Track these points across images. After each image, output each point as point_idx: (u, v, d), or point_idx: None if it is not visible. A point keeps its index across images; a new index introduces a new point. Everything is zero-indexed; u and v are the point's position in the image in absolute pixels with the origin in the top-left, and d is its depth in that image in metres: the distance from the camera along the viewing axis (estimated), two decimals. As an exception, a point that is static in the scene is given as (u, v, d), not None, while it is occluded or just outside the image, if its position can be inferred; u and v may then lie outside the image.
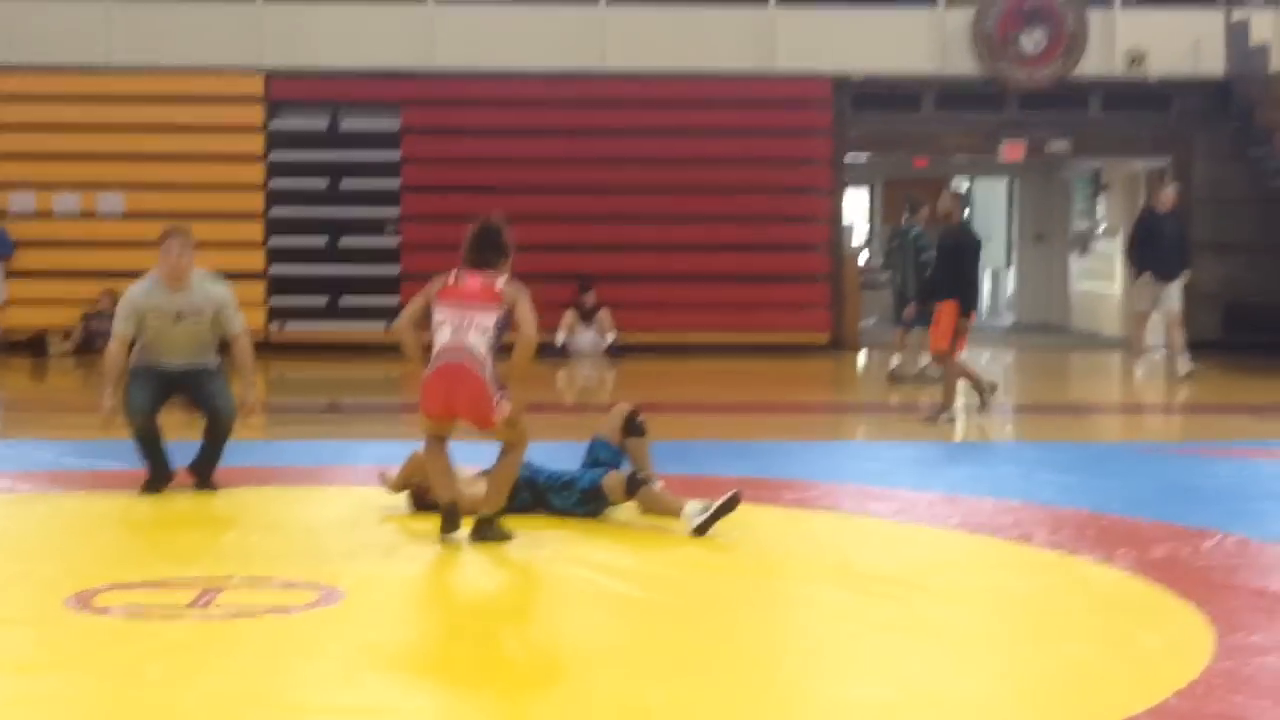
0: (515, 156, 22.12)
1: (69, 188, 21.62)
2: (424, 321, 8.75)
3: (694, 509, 8.91)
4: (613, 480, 9.20)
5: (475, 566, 8.37)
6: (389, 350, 21.47)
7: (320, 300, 22.12)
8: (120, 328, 10.12)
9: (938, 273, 14.81)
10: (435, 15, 22.26)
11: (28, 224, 21.64)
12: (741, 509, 9.07)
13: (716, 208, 22.28)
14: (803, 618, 7.46)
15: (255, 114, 22.06)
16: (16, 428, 15.18)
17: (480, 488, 9.02)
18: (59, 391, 18.50)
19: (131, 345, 10.18)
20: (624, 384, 19.26)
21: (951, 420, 14.59)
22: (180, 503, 10.04)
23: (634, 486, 9.14)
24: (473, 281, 8.68)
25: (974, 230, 15.38)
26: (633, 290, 22.08)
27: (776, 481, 10.86)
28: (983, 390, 14.98)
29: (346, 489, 10.78)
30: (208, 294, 10.25)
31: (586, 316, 21.71)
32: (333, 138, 22.44)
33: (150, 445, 10.20)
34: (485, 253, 8.80)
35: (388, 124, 22.35)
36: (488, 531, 8.59)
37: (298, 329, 21.98)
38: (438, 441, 8.73)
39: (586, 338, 21.67)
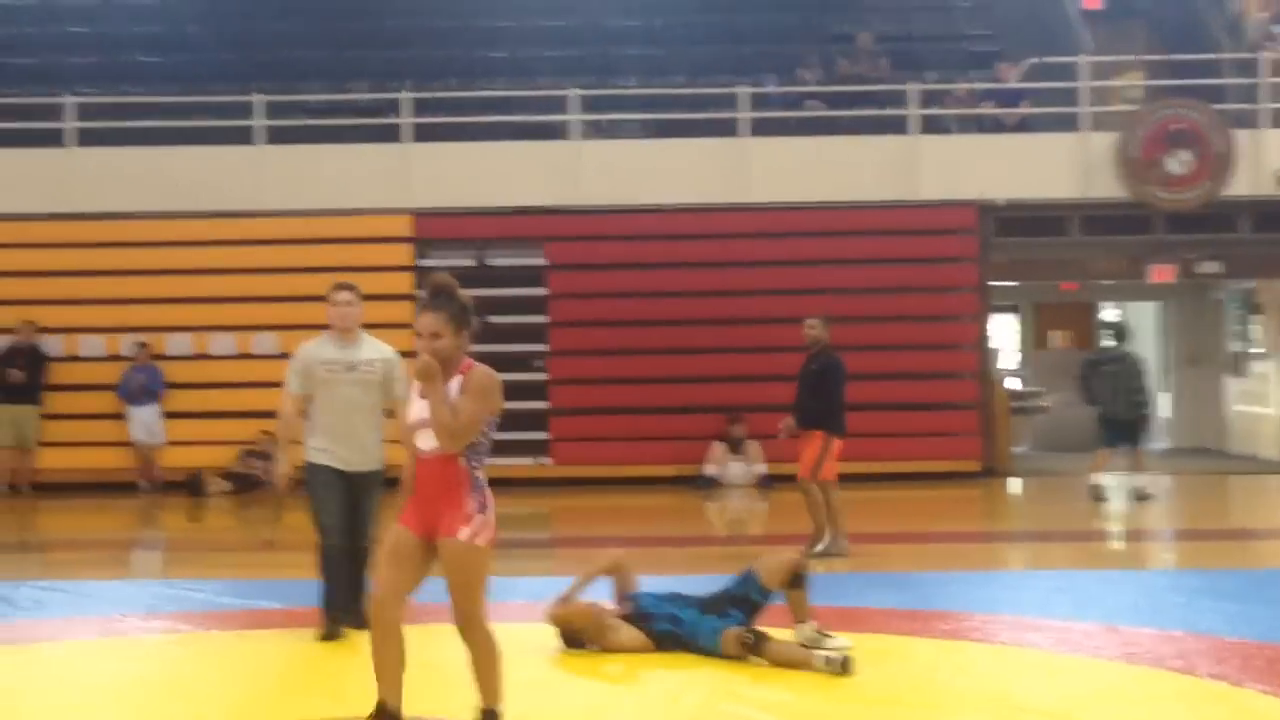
0: (661, 289, 22.22)
1: (224, 329, 22.01)
2: None
3: (821, 662, 8.80)
4: (729, 638, 9.09)
5: (632, 703, 8.33)
6: (539, 484, 21.71)
7: (470, 436, 22.23)
8: (293, 384, 10.11)
9: (805, 399, 14.62)
10: (579, 152, 22.51)
11: (185, 365, 22.04)
12: (896, 640, 8.98)
13: (863, 337, 22.19)
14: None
15: (404, 253, 22.37)
16: (175, 567, 15.39)
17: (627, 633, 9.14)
18: (216, 531, 18.73)
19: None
20: (774, 515, 19.19)
21: (840, 554, 14.21)
22: (332, 640, 10.07)
23: (753, 646, 9.01)
24: None
25: (838, 356, 15.01)
26: (780, 420, 21.97)
27: (930, 612, 10.75)
28: (823, 527, 14.48)
29: (499, 625, 10.79)
30: (379, 349, 10.26)
31: (735, 448, 21.69)
32: (480, 275, 22.66)
33: (342, 567, 10.01)
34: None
35: (534, 260, 22.57)
36: None
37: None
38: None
39: (736, 469, 21.64)
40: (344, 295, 10.18)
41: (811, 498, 14.38)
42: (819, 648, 8.91)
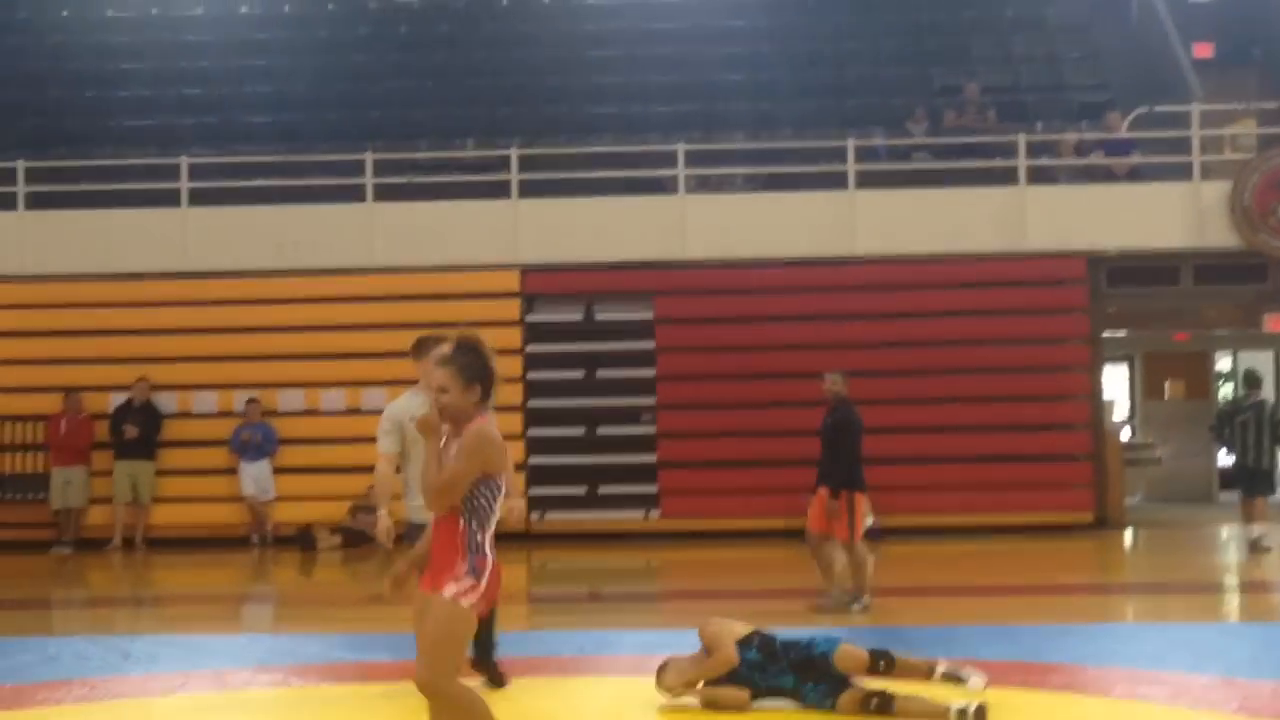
0: (769, 343, 22.18)
1: (334, 385, 22.19)
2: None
3: (955, 715, 8.74)
4: (849, 701, 9.02)
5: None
6: (649, 537, 21.71)
7: (579, 489, 22.31)
8: (385, 444, 10.02)
9: (824, 456, 14.44)
10: (686, 206, 22.55)
11: (296, 421, 22.24)
12: (1010, 694, 8.89)
13: (973, 388, 22.09)
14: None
15: (512, 308, 22.48)
16: (287, 622, 15.48)
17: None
18: (327, 585, 18.85)
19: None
20: (885, 567, 19.04)
21: (865, 608, 14.03)
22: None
23: (879, 709, 8.97)
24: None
25: (855, 411, 14.78)
26: (891, 473, 21.88)
27: (1044, 665, 10.64)
28: (835, 591, 14.36)
29: (609, 679, 10.79)
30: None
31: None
32: (588, 329, 22.75)
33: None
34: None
35: (641, 314, 22.61)
36: None
37: (557, 518, 22.18)
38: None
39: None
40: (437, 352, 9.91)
41: (855, 556, 14.27)
42: (956, 678, 8.84)
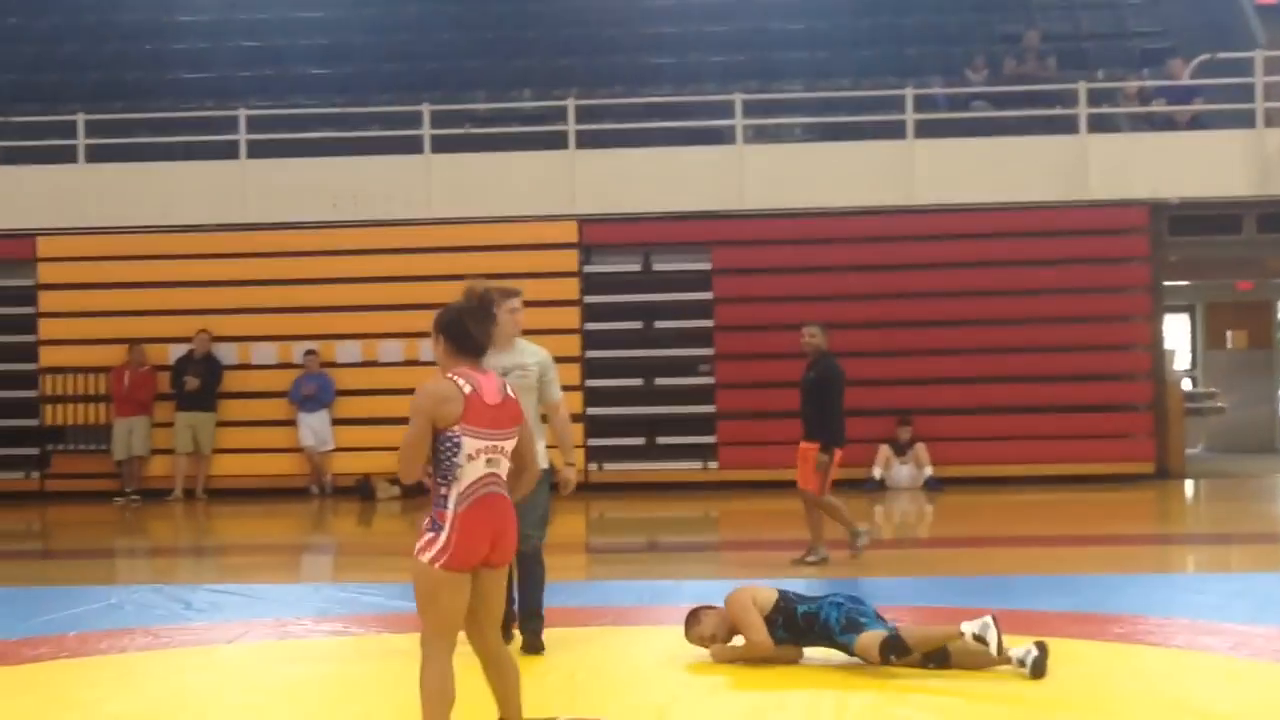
0: (827, 293, 22.11)
1: (392, 336, 22.23)
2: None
3: (1015, 661, 8.69)
4: (867, 641, 8.97)
5: (799, 706, 8.29)
6: (706, 488, 21.72)
7: (637, 440, 22.33)
8: None
9: (806, 409, 14.17)
10: (744, 156, 22.48)
11: (354, 372, 22.31)
12: (1069, 644, 8.85)
13: (1033, 338, 21.98)
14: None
15: (570, 259, 22.48)
16: (347, 571, 15.57)
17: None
18: (387, 535, 18.93)
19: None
20: (942, 518, 19.04)
21: (822, 560, 13.87)
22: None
23: (891, 650, 8.84)
24: (489, 389, 6.88)
25: (838, 363, 14.42)
26: (950, 423, 21.87)
27: (1104, 616, 10.60)
28: (852, 531, 14.12)
29: (668, 628, 10.81)
30: (533, 352, 9.93)
31: (902, 451, 21.56)
32: (645, 280, 22.74)
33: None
34: (488, 336, 7.01)
35: (699, 264, 22.58)
36: None
37: (615, 469, 22.21)
38: (451, 641, 6.84)
39: (904, 472, 21.51)
40: (516, 302, 9.83)
41: (828, 506, 14.10)
42: (981, 640, 8.70)
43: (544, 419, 10.09)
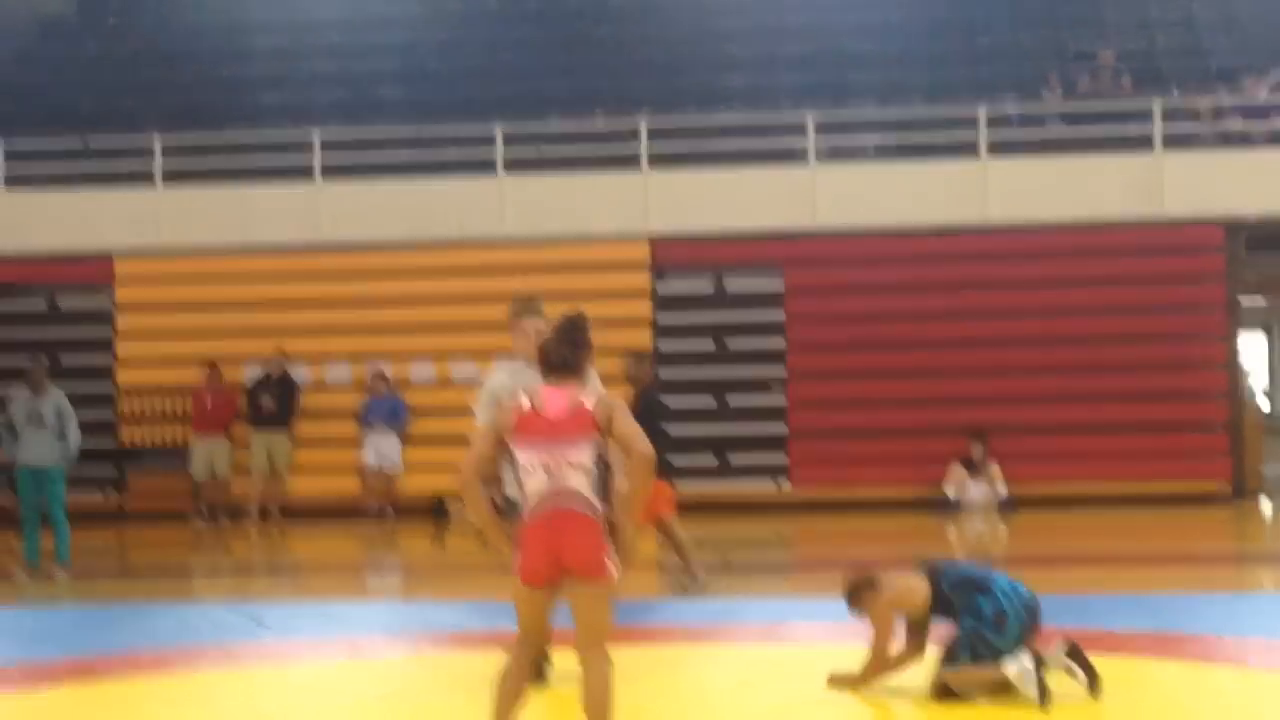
0: (899, 312, 22.06)
1: (465, 356, 22.29)
2: (493, 466, 7.38)
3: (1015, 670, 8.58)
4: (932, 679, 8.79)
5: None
6: (779, 507, 21.68)
7: (710, 459, 22.31)
8: (482, 417, 9.18)
9: None
10: (816, 175, 22.45)
11: (428, 392, 22.38)
12: (1144, 664, 8.79)
13: (1106, 358, 21.84)
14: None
15: (642, 279, 22.50)
16: (420, 590, 15.62)
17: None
18: (460, 554, 18.98)
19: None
20: (1017, 537, 18.95)
21: (697, 584, 13.78)
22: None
23: (941, 695, 8.69)
24: (555, 402, 7.05)
25: (655, 393, 14.33)
26: (1024, 442, 21.74)
27: (1178, 635, 10.53)
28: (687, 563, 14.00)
29: (739, 648, 10.81)
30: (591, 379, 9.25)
31: (976, 470, 21.45)
32: (717, 299, 22.75)
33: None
34: (563, 357, 7.17)
35: (771, 283, 22.56)
36: None
37: (688, 488, 22.16)
38: (528, 645, 7.20)
39: (977, 491, 21.40)
40: (538, 323, 9.21)
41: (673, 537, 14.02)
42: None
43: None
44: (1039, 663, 8.41)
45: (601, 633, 7.03)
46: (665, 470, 13.59)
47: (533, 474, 6.94)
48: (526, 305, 9.47)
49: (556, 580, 6.96)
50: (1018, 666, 8.45)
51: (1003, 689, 8.54)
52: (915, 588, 8.93)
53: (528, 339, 9.18)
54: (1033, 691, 8.33)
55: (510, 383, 8.90)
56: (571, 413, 6.95)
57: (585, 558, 6.93)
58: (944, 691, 8.63)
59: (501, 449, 7.06)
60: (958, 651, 8.66)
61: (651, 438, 12.98)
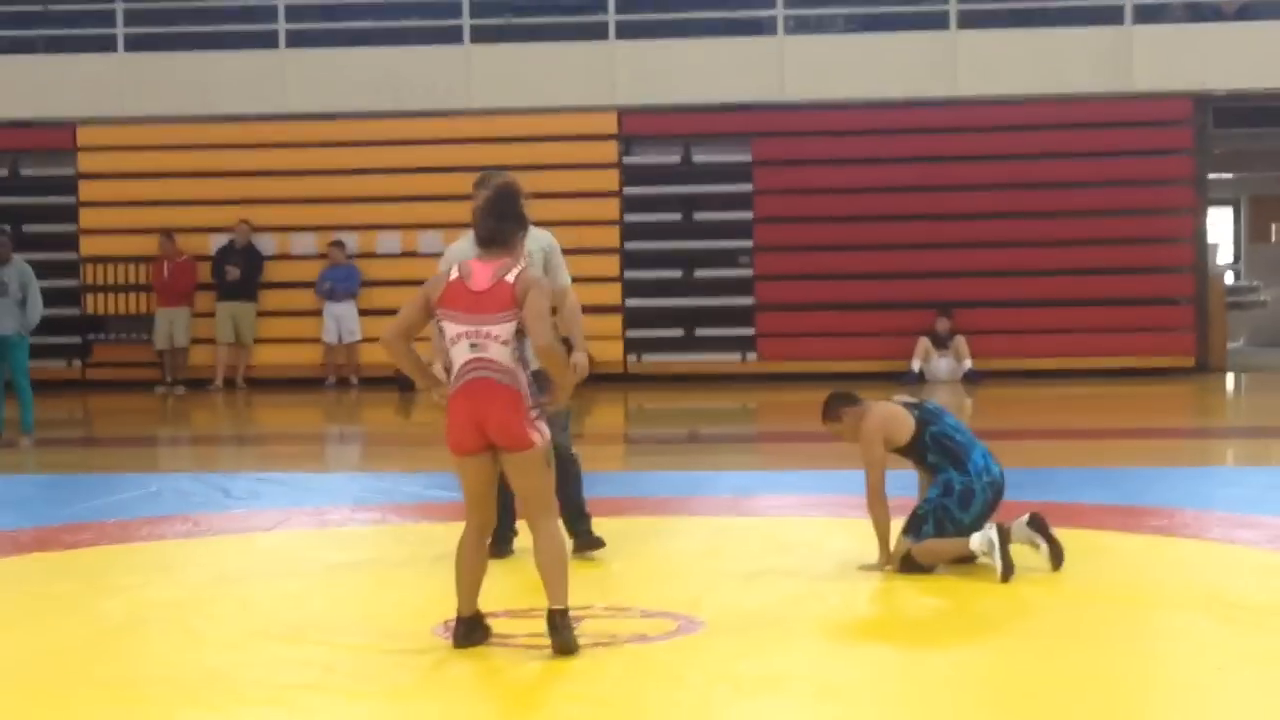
0: (867, 185, 22.00)
1: (431, 227, 22.17)
2: (419, 329, 7.40)
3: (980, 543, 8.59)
4: (896, 547, 8.80)
5: (836, 595, 8.32)
6: (745, 380, 21.72)
7: (676, 332, 22.31)
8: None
9: None
10: (784, 47, 22.31)
11: (393, 263, 22.29)
12: (1107, 536, 8.85)
13: (1074, 231, 21.84)
14: (1171, 649, 7.26)
15: (609, 150, 22.39)
16: (384, 461, 15.65)
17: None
18: (424, 425, 18.99)
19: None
20: (981, 411, 19.01)
21: None
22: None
23: (907, 568, 8.67)
24: (480, 275, 7.08)
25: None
26: (989, 316, 21.78)
27: (1141, 509, 10.60)
28: None
29: (705, 519, 10.85)
30: (537, 239, 9.10)
31: (942, 343, 21.49)
32: (685, 172, 22.65)
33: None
34: (490, 230, 7.17)
35: (739, 156, 22.47)
36: (562, 628, 7.01)
37: (654, 360, 22.20)
38: (475, 513, 7.25)
39: (943, 365, 21.44)
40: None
41: None
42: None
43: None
44: (1004, 535, 8.45)
45: (539, 498, 7.16)
46: None
47: (457, 344, 7.07)
48: (492, 178, 9.36)
49: (484, 448, 7.08)
50: (982, 539, 8.49)
51: (966, 561, 8.60)
52: (902, 421, 8.84)
53: None
54: (996, 564, 8.38)
55: (471, 253, 8.75)
56: (494, 286, 7.01)
57: (506, 429, 7.04)
58: (908, 563, 8.68)
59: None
60: (921, 524, 8.70)
61: None
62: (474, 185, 9.33)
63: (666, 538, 10.17)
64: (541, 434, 7.09)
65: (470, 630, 7.17)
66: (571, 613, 7.07)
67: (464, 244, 9.12)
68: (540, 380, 7.37)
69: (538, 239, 9.31)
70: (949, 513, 8.66)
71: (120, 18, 22.88)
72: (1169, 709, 6.36)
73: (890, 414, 8.90)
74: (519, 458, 7.07)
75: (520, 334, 7.03)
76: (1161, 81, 21.76)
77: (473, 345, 7.02)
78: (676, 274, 22.41)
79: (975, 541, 8.52)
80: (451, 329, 7.07)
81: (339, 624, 7.78)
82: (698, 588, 8.43)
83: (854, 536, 9.32)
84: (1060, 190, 21.87)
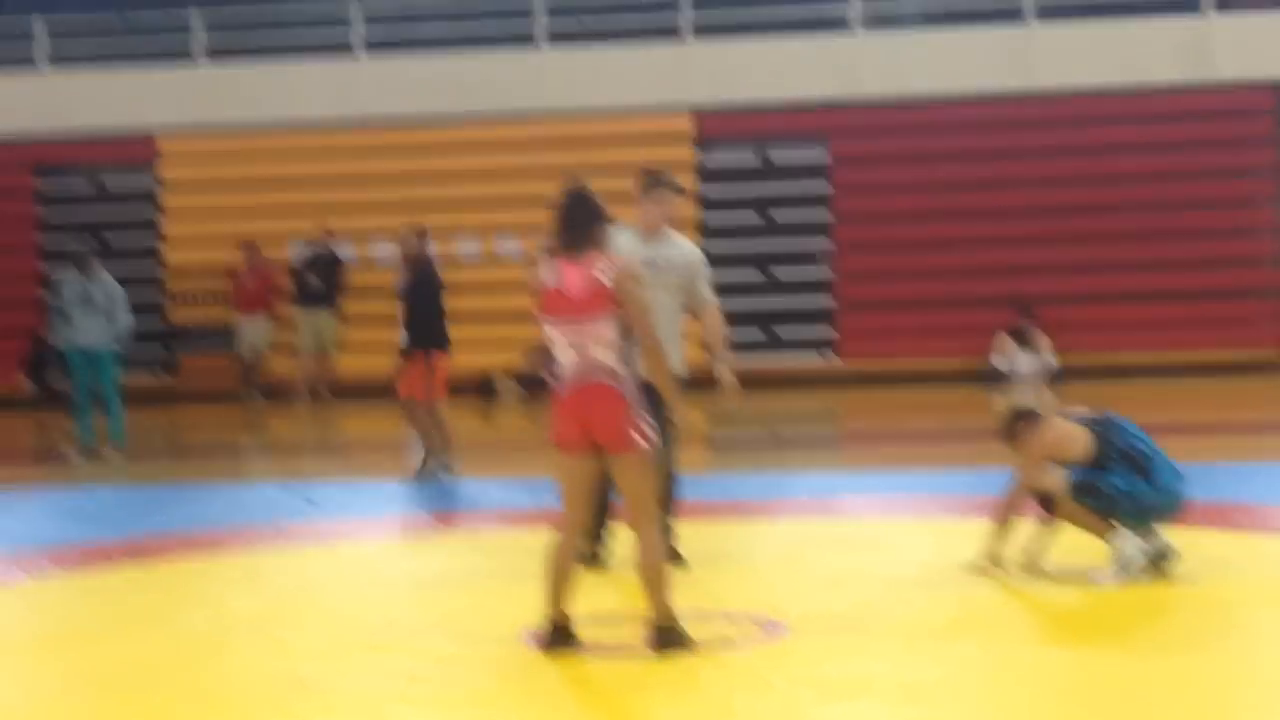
0: (945, 181, 21.90)
1: (509, 231, 22.24)
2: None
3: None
4: (1057, 478, 8.59)
5: (920, 598, 8.28)
6: (826, 381, 21.65)
7: (755, 332, 22.27)
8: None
9: (409, 316, 13.94)
10: (859, 44, 22.25)
11: (474, 269, 22.33)
12: (1194, 533, 8.78)
13: (1156, 224, 21.67)
14: (1263, 644, 7.20)
15: (686, 151, 22.35)
16: (470, 467, 15.67)
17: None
18: (510, 432, 19.05)
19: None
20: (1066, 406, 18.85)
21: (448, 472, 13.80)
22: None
23: (1041, 499, 8.65)
24: (571, 277, 7.18)
25: (435, 269, 14.21)
26: (1072, 311, 21.62)
27: (1228, 505, 10.50)
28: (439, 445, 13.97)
29: (787, 521, 10.84)
30: (682, 249, 9.19)
31: (1024, 339, 21.34)
32: (762, 171, 22.62)
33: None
34: (578, 231, 7.24)
35: (816, 155, 22.41)
36: (668, 641, 7.11)
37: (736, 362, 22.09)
38: (571, 516, 7.30)
39: (1024, 361, 21.30)
40: (668, 194, 9.13)
41: (438, 417, 13.91)
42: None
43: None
44: (1153, 557, 8.37)
45: (639, 503, 7.21)
46: (438, 347, 13.75)
47: (561, 347, 7.20)
48: (658, 178, 9.26)
49: (589, 449, 7.16)
50: (1130, 549, 8.39)
51: (1095, 538, 8.50)
52: (1077, 438, 8.73)
53: (661, 210, 9.12)
54: (1121, 575, 8.30)
55: (627, 247, 8.62)
56: (590, 290, 7.11)
57: (611, 431, 7.14)
58: (1045, 498, 8.59)
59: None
60: (1093, 493, 8.52)
61: (429, 314, 13.04)
62: (644, 186, 9.21)
63: (748, 541, 10.17)
64: (646, 437, 7.16)
65: (559, 636, 7.19)
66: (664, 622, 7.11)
67: (629, 239, 8.96)
68: (652, 397, 7.37)
69: (681, 249, 9.27)
70: (1120, 507, 8.51)
71: (199, 26, 23.06)
72: (1263, 711, 6.30)
73: (1064, 434, 8.75)
74: (621, 459, 7.15)
75: (626, 333, 7.13)
76: (1242, 71, 21.56)
77: (575, 347, 7.15)
78: (754, 274, 22.35)
79: (1123, 545, 8.40)
80: (555, 333, 7.20)
81: (425, 632, 7.81)
82: (781, 591, 8.43)
83: (938, 538, 9.28)
84: (1140, 183, 21.69)
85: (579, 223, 7.21)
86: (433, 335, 13.89)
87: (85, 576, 9.64)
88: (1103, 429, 8.78)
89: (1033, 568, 8.58)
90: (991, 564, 8.64)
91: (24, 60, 23.55)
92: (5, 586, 9.40)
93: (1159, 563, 8.45)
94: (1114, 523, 8.49)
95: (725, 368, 9.39)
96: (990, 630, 7.78)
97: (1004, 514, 8.68)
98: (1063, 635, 7.69)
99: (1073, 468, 8.60)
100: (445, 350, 13.99)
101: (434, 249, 14.57)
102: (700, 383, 9.55)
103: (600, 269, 7.12)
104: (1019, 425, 8.84)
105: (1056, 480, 8.58)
